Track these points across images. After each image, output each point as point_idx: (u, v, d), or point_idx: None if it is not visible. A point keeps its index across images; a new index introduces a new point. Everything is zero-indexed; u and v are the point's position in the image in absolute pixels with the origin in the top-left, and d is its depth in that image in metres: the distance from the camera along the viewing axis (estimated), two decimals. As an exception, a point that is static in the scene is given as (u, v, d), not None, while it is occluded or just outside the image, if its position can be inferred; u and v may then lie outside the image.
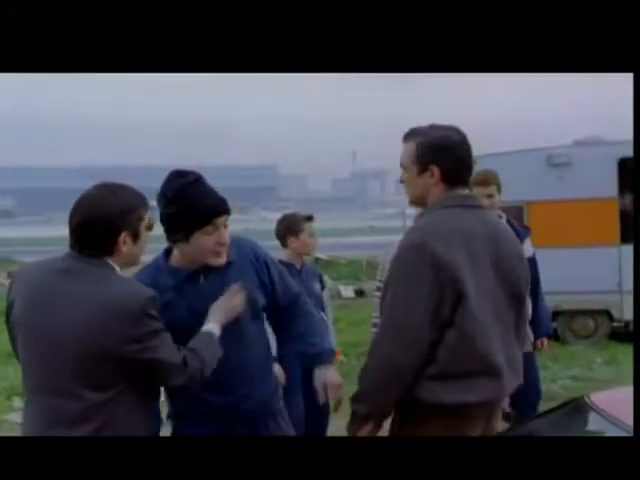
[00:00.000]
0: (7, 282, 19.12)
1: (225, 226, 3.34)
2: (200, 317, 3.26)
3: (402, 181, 3.38)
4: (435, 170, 3.25)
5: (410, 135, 3.32)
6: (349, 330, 12.70)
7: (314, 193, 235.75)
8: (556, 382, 9.11)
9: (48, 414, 2.78)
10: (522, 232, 5.52)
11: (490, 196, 5.35)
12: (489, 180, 5.40)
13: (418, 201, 3.39)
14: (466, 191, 3.32)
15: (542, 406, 5.59)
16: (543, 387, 6.19)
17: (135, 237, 2.91)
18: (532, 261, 5.45)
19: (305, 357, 3.64)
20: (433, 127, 3.31)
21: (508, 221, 5.43)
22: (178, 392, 3.27)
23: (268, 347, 3.58)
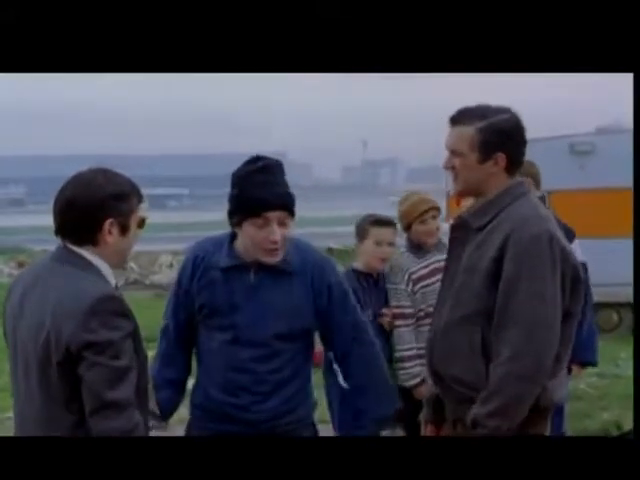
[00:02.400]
0: (16, 272, 19.01)
1: (283, 224, 3.12)
2: (235, 311, 3.14)
3: (449, 168, 3.07)
4: (501, 158, 3.00)
5: (464, 118, 3.03)
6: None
7: (322, 181, 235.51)
8: (582, 379, 8.81)
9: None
10: (568, 233, 4.90)
11: None
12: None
13: (471, 191, 3.12)
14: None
15: (570, 406, 5.33)
16: (569, 386, 5.85)
17: (123, 229, 2.65)
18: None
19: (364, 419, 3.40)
20: (488, 108, 3.04)
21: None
22: (196, 386, 3.29)
23: (297, 368, 3.32)
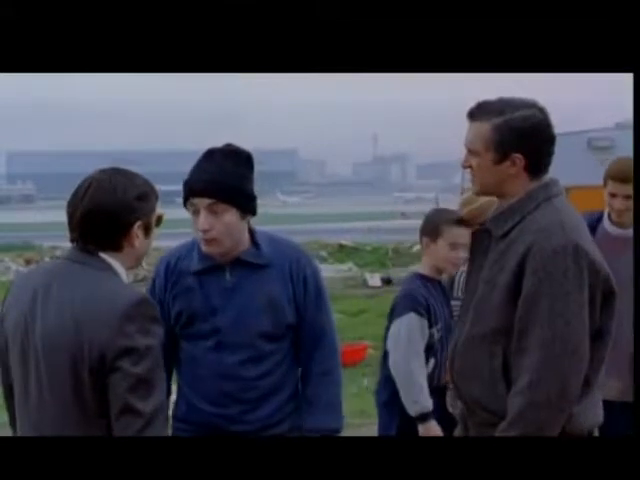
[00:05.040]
0: (24, 269, 18.91)
1: (214, 212, 2.94)
2: (215, 313, 3.02)
3: (467, 167, 2.81)
4: (519, 159, 2.71)
5: (481, 113, 2.75)
6: (377, 322, 12.20)
7: (334, 177, 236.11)
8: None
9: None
10: None
11: (628, 197, 3.99)
12: (629, 176, 3.87)
13: (490, 192, 2.86)
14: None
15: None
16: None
17: (147, 230, 2.55)
18: None
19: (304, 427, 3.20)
20: (509, 103, 2.75)
21: None
22: (178, 399, 3.19)
23: (287, 371, 3.17)
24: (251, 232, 3.14)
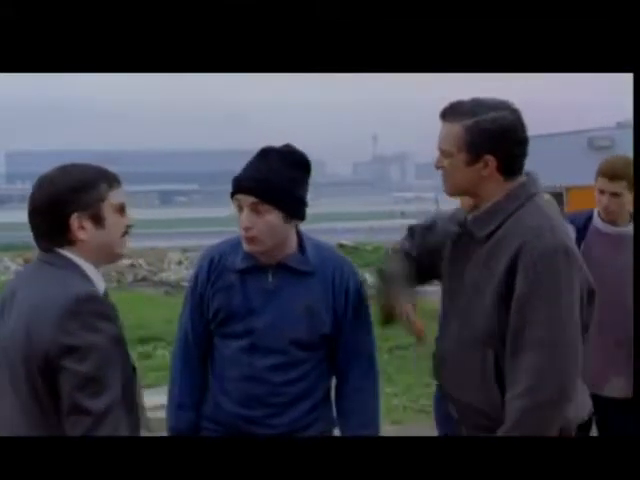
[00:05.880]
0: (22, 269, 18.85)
1: (257, 212, 2.90)
2: (252, 313, 2.97)
3: (440, 167, 2.79)
4: (491, 160, 2.69)
5: (453, 114, 2.73)
6: (378, 322, 12.22)
7: (334, 177, 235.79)
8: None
9: None
10: None
11: (615, 195, 4.02)
12: (617, 173, 3.99)
13: (462, 193, 2.84)
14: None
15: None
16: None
17: (96, 220, 2.43)
18: None
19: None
20: (481, 103, 2.72)
21: None
22: (208, 397, 3.14)
23: (317, 380, 3.10)
24: (299, 237, 3.08)
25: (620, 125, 11.19)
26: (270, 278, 3.03)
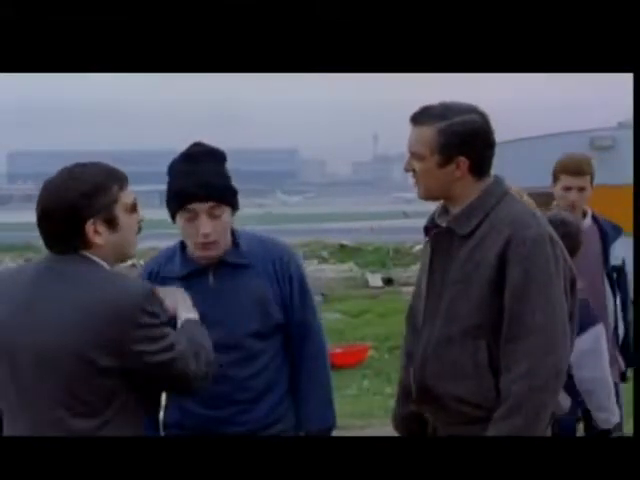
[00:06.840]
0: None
1: (214, 216, 2.93)
2: (203, 317, 2.89)
3: (409, 170, 2.85)
4: (463, 162, 2.77)
5: (424, 117, 2.79)
6: (379, 322, 12.26)
7: (335, 177, 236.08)
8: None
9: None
10: (610, 233, 4.52)
11: (582, 189, 4.33)
12: (583, 169, 4.37)
13: (435, 195, 2.88)
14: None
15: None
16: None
17: (110, 224, 2.44)
18: (620, 272, 4.53)
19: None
20: (451, 107, 2.80)
21: (594, 217, 4.52)
22: (169, 404, 3.13)
23: (278, 371, 3.14)
24: (232, 232, 3.11)
25: (621, 125, 11.20)
26: (211, 279, 3.06)
